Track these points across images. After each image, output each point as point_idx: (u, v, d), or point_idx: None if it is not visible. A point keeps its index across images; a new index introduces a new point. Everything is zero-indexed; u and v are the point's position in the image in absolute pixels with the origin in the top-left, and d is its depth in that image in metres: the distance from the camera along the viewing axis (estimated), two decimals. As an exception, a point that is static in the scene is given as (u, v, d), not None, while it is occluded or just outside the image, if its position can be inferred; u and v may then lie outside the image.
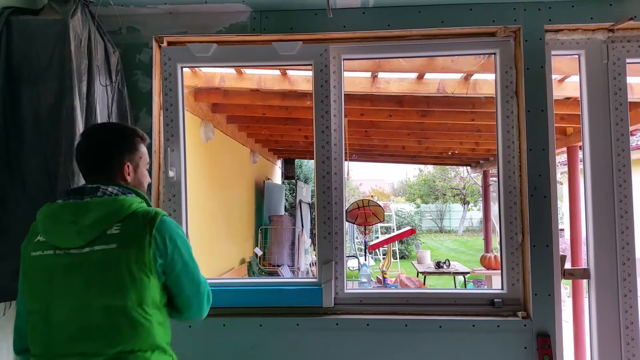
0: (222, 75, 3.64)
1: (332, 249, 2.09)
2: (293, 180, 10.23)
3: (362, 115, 4.70)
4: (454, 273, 6.81)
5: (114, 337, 1.25)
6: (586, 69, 2.06)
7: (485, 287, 6.67)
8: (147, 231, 1.30)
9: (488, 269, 6.50)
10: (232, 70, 3.61)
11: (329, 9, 1.82)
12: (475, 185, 17.91)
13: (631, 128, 2.91)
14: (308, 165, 12.38)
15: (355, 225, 7.46)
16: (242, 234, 7.21)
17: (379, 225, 11.75)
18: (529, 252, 1.97)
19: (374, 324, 2.00)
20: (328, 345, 2.00)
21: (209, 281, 1.49)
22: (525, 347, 1.94)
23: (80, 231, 1.28)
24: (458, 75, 3.51)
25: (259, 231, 7.67)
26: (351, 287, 2.42)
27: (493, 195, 9.08)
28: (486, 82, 3.52)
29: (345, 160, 2.18)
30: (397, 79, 3.66)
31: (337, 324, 2.01)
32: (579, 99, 2.10)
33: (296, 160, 10.70)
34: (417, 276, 7.04)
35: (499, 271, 2.87)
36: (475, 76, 3.47)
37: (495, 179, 5.75)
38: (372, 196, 13.69)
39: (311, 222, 9.36)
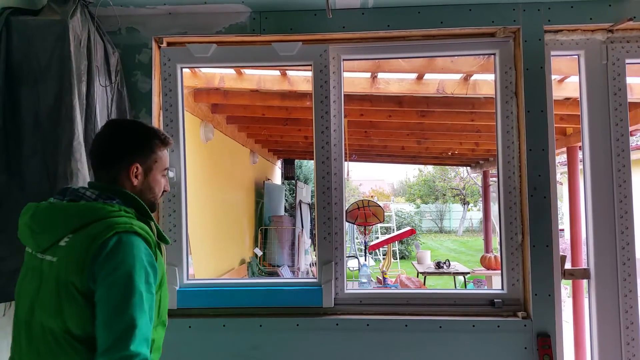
0: (221, 75, 3.64)
1: (332, 250, 2.09)
2: (293, 181, 10.24)
3: (362, 115, 4.71)
4: (454, 273, 6.82)
5: (47, 358, 1.15)
6: (586, 69, 2.06)
7: (485, 287, 6.67)
8: (89, 253, 1.12)
9: (488, 269, 6.51)
10: (231, 71, 3.61)
11: (328, 9, 1.82)
12: (475, 185, 17.92)
13: (631, 128, 2.92)
14: (308, 166, 12.38)
15: (355, 226, 7.47)
16: (242, 234, 7.20)
17: (379, 225, 11.76)
18: (529, 252, 1.97)
19: (374, 324, 2.00)
20: (328, 345, 2.00)
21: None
22: (526, 348, 1.94)
23: (33, 236, 1.22)
24: (458, 76, 3.51)
25: (259, 231, 7.68)
26: (351, 288, 2.41)
27: (493, 195, 9.08)
28: (486, 82, 3.52)
29: (345, 160, 2.18)
30: (396, 80, 3.66)
31: (337, 325, 2.01)
32: (579, 99, 2.10)
33: (296, 160, 10.71)
34: (417, 276, 7.04)
35: (499, 271, 2.87)
36: (475, 76, 3.47)
37: (495, 179, 5.75)
38: (372, 196, 13.72)
39: (311, 223, 9.35)
